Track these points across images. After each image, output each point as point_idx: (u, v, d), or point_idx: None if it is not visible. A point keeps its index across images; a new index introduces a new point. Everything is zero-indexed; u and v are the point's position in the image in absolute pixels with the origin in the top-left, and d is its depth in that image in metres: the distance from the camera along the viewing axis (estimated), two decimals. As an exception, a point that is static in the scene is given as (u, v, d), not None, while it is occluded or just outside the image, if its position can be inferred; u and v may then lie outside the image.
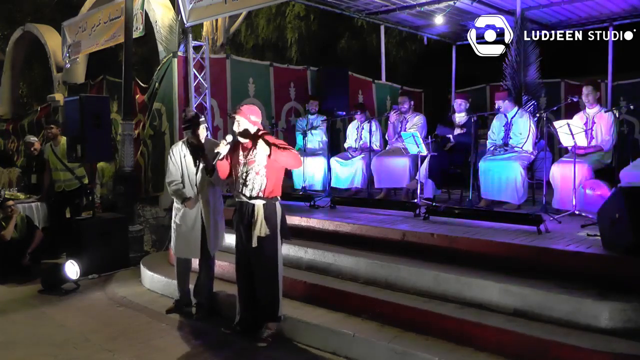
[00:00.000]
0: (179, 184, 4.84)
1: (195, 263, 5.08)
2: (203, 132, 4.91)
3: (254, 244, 4.17)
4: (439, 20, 8.47)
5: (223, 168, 4.37)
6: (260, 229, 4.13)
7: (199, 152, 4.76)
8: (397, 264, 4.57)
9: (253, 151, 4.21)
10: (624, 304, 3.50)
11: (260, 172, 4.17)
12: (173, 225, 4.97)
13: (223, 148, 4.26)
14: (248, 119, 4.25)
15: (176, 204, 4.92)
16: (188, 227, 4.83)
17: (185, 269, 5.03)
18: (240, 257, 4.41)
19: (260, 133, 4.26)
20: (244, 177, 4.23)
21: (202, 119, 4.93)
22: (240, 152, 4.30)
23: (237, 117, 4.25)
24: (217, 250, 5.00)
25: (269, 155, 4.10)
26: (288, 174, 7.53)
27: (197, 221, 4.82)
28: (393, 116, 7.47)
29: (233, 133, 4.34)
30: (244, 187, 4.23)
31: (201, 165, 4.73)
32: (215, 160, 4.30)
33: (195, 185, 4.82)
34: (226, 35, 10.55)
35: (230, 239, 5.02)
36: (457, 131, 6.64)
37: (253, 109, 4.34)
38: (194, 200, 4.80)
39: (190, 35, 7.38)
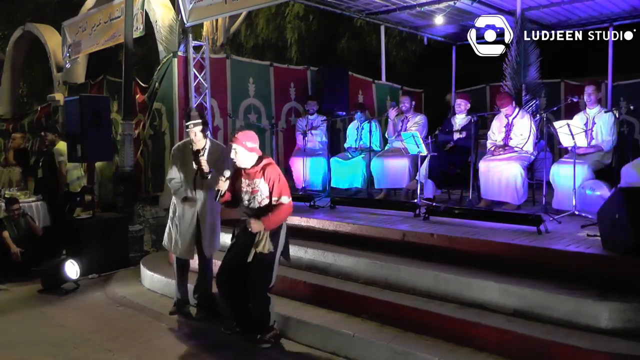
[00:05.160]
0: (178, 183, 4.87)
1: (194, 263, 5.08)
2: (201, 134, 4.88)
3: (250, 259, 4.15)
4: (439, 20, 8.47)
5: (227, 202, 4.35)
6: (264, 245, 4.12)
7: (197, 154, 4.76)
8: (397, 264, 4.58)
9: (255, 180, 4.19)
10: (623, 304, 3.50)
11: (263, 202, 4.17)
12: (169, 222, 4.98)
13: (223, 185, 4.22)
14: (245, 146, 4.18)
15: (174, 200, 4.94)
16: (185, 226, 4.83)
17: (182, 269, 5.02)
18: (231, 267, 4.32)
19: (262, 164, 4.22)
20: (248, 202, 4.23)
21: (199, 121, 4.79)
22: (243, 180, 4.26)
23: (234, 145, 4.19)
24: (214, 251, 4.96)
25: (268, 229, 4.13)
26: (289, 174, 7.55)
27: (192, 222, 4.81)
28: (392, 112, 7.46)
29: (232, 161, 4.30)
30: (250, 209, 4.24)
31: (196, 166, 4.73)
32: (217, 198, 4.28)
33: (194, 186, 4.81)
34: (226, 35, 10.55)
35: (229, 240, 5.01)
36: (457, 136, 6.64)
37: (248, 135, 4.26)
38: (194, 200, 4.81)
39: (190, 35, 7.38)
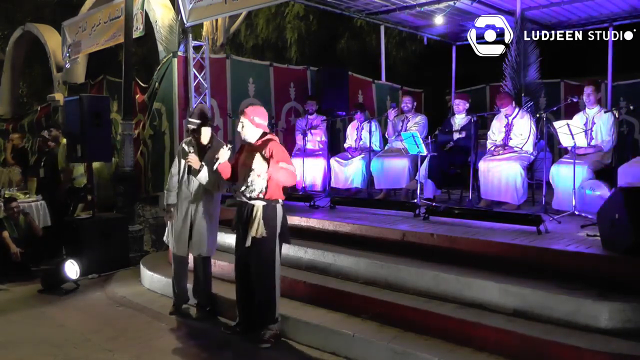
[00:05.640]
0: (175, 182, 4.89)
1: (192, 262, 5.08)
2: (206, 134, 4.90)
3: (248, 243, 4.16)
4: (439, 20, 8.47)
5: (224, 170, 4.38)
6: (257, 229, 4.12)
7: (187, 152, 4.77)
8: (397, 264, 4.58)
9: (255, 154, 4.20)
10: (623, 304, 3.50)
11: (261, 175, 4.16)
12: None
13: (224, 153, 4.25)
14: (252, 121, 4.23)
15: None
16: (180, 223, 4.84)
17: (180, 266, 5.00)
18: (238, 258, 4.40)
19: (264, 139, 4.25)
20: (246, 179, 4.22)
21: (198, 121, 4.83)
22: (245, 154, 4.32)
23: (242, 118, 4.25)
24: (210, 253, 4.94)
25: (267, 171, 4.10)
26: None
27: (187, 220, 4.81)
28: (392, 113, 7.48)
29: (239, 134, 4.35)
30: (246, 189, 4.22)
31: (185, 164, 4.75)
32: (215, 165, 4.30)
33: (189, 185, 4.81)
34: (226, 35, 10.55)
35: (230, 239, 5.02)
36: (457, 136, 6.64)
37: (258, 110, 4.31)
38: (173, 215, 4.86)
39: (190, 35, 7.38)
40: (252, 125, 4.25)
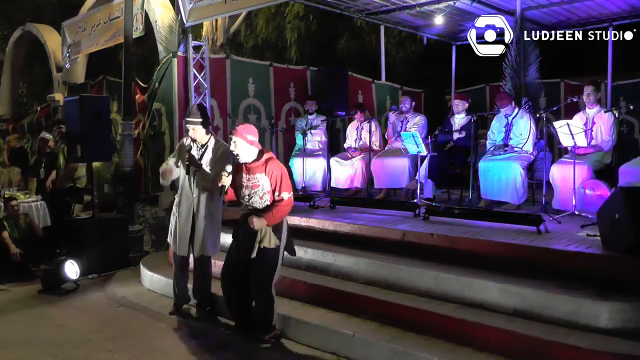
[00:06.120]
0: (172, 167, 4.88)
1: (193, 262, 5.08)
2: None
3: (254, 255, 4.14)
4: (438, 20, 8.48)
5: (229, 196, 4.36)
6: (270, 240, 4.12)
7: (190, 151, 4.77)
8: (397, 264, 4.58)
9: (256, 175, 4.19)
10: (623, 304, 3.50)
11: (264, 197, 4.17)
12: (171, 217, 5.00)
13: (226, 180, 4.21)
14: (245, 139, 4.18)
15: (176, 196, 4.96)
16: (182, 223, 4.83)
17: (180, 266, 4.99)
18: (233, 266, 4.34)
19: (263, 159, 4.22)
20: (248, 198, 4.21)
21: (198, 120, 4.79)
22: (243, 175, 4.25)
23: (234, 137, 4.19)
24: (212, 252, 4.91)
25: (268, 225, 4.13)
26: (289, 174, 7.55)
27: (189, 219, 4.81)
28: (392, 116, 7.51)
29: (233, 155, 4.30)
30: (249, 206, 4.22)
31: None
32: (222, 194, 4.30)
33: (192, 185, 4.80)
34: (226, 35, 10.56)
35: (230, 240, 5.01)
36: (457, 135, 6.64)
37: (249, 128, 4.27)
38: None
39: (190, 35, 7.39)
40: (247, 144, 4.18)
